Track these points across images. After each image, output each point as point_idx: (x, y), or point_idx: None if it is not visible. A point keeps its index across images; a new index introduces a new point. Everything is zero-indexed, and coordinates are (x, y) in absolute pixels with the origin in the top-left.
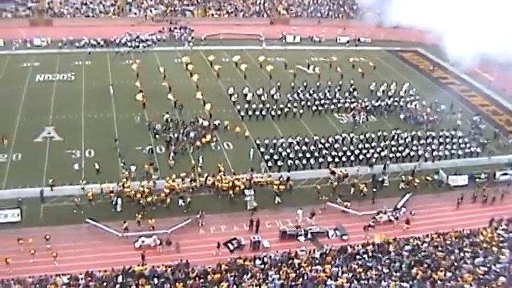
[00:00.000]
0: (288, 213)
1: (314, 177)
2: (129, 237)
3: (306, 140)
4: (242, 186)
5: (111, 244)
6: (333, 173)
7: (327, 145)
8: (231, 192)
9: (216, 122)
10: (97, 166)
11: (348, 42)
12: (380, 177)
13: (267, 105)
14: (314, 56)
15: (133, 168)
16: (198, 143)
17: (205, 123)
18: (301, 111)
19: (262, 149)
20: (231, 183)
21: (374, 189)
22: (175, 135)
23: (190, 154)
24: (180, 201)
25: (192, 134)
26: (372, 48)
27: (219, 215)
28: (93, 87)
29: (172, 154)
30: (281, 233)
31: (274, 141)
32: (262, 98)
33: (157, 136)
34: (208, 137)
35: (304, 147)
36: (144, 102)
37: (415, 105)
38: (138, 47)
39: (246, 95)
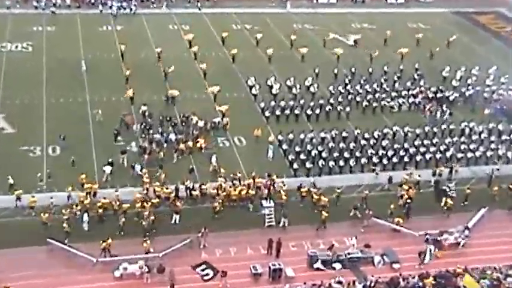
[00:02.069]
0: (319, 231)
1: (353, 183)
2: (107, 263)
3: (344, 134)
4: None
5: (82, 272)
6: (390, 180)
7: (372, 141)
8: (248, 204)
9: (216, 120)
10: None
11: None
12: (444, 185)
13: (301, 101)
14: (356, 22)
15: (107, 169)
16: (181, 145)
17: (201, 123)
18: (348, 108)
19: (284, 146)
20: (243, 191)
21: (439, 201)
22: (152, 137)
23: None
24: (175, 217)
25: (172, 137)
26: (434, 10)
27: (227, 234)
28: (58, 61)
29: (137, 169)
30: (310, 258)
31: (302, 135)
32: (294, 91)
33: (118, 138)
34: (202, 140)
35: (341, 144)
36: (127, 77)
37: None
38: (123, 8)
39: (271, 87)
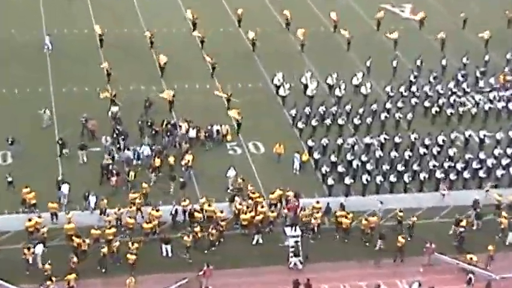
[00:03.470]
0: (361, 269)
1: (410, 205)
2: None
3: (397, 139)
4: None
5: None
6: (475, 205)
7: (435, 150)
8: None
9: (215, 128)
10: (9, 179)
11: None
12: None
13: (347, 107)
14: None
15: (64, 189)
16: (156, 161)
17: (192, 132)
18: (410, 116)
19: (317, 155)
20: (260, 215)
21: None
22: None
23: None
24: (165, 248)
25: (145, 152)
26: None
27: (237, 272)
28: (12, 39)
29: (91, 201)
30: None
31: (339, 141)
32: (338, 93)
33: (64, 151)
34: (190, 157)
35: (393, 153)
36: (109, 73)
37: None
38: None
39: (305, 87)
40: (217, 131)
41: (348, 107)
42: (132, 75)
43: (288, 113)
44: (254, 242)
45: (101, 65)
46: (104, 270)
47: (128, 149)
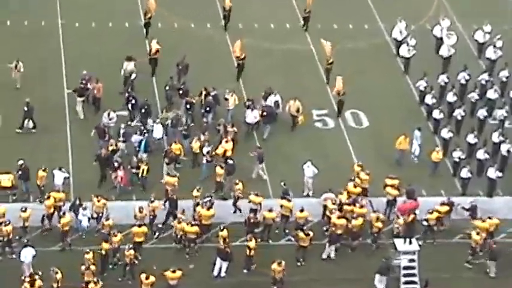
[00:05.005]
0: None
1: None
2: None
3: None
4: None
5: None
6: None
7: None
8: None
9: (272, 99)
10: None
11: None
12: None
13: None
14: None
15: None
16: (175, 147)
17: (251, 115)
18: None
19: (446, 133)
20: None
21: None
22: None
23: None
24: (220, 264)
25: (157, 133)
26: None
27: None
28: None
29: (83, 224)
30: None
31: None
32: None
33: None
34: (228, 146)
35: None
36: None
37: None
38: None
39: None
40: (277, 103)
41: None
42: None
43: (410, 82)
44: (325, 255)
45: None
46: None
47: (141, 132)
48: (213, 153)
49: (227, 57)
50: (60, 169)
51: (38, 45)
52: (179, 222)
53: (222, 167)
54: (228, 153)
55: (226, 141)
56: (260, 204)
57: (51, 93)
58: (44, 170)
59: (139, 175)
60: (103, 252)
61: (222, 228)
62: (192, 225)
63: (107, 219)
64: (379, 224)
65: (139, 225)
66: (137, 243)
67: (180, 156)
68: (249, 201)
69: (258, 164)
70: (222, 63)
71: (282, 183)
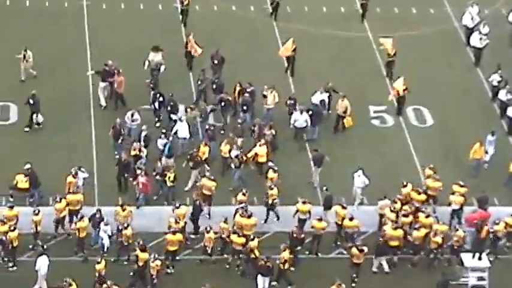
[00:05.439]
0: None
1: None
2: None
3: None
4: None
5: None
6: None
7: None
8: None
9: (319, 98)
10: None
11: None
12: None
13: None
14: None
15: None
16: (203, 149)
17: (301, 118)
18: None
19: None
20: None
21: None
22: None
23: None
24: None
25: (181, 132)
26: None
27: None
28: None
29: (104, 241)
30: None
31: None
32: None
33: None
34: (262, 151)
35: None
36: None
37: None
38: None
39: None
40: (323, 102)
41: None
42: None
43: (482, 75)
44: (375, 268)
45: None
46: None
47: (165, 135)
48: (243, 157)
49: (272, 46)
50: (79, 168)
51: (59, 29)
52: (207, 232)
53: (275, 170)
54: (261, 159)
55: (260, 145)
56: (309, 212)
57: (74, 84)
58: (73, 176)
59: (166, 183)
60: (139, 263)
61: (252, 237)
62: (239, 235)
63: (126, 227)
64: (438, 239)
65: (174, 232)
66: (170, 252)
67: (206, 160)
68: (296, 211)
69: (316, 168)
70: (267, 52)
71: (324, 189)
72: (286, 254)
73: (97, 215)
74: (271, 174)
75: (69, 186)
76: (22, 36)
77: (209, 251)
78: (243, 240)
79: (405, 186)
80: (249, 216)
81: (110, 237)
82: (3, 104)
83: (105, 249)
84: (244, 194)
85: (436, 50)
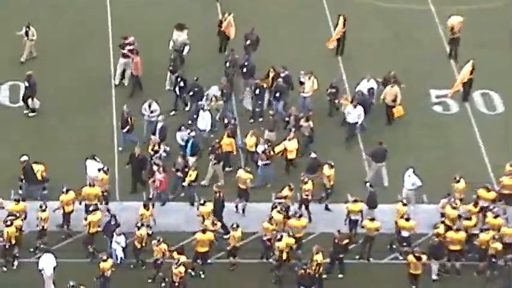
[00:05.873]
0: None
1: None
2: None
3: None
4: None
5: None
6: None
7: None
8: None
9: (366, 87)
10: None
11: None
12: None
13: None
14: None
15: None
16: (226, 140)
17: (354, 112)
18: None
19: None
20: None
21: None
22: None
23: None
24: None
25: (202, 124)
26: None
27: None
28: None
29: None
30: None
31: None
32: None
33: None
34: (292, 145)
35: None
36: None
37: None
38: None
39: None
40: (372, 91)
41: None
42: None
43: None
44: (434, 275)
45: None
46: None
47: (188, 127)
48: (271, 152)
49: (319, 22)
50: (93, 157)
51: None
52: (234, 230)
53: (331, 166)
54: (290, 155)
55: (289, 139)
56: (361, 212)
57: (94, 66)
58: (105, 172)
59: (186, 182)
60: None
61: (279, 237)
62: (289, 235)
63: (139, 227)
64: (498, 245)
65: (204, 231)
66: (200, 253)
67: (231, 154)
68: (348, 213)
69: (374, 163)
70: (311, 29)
71: (368, 185)
72: (319, 257)
73: (112, 221)
74: (327, 171)
75: (101, 184)
76: (39, 16)
77: (233, 252)
78: (293, 241)
79: (458, 181)
80: (300, 217)
81: (123, 249)
82: (13, 83)
83: (120, 262)
84: (290, 189)
85: (510, 25)
